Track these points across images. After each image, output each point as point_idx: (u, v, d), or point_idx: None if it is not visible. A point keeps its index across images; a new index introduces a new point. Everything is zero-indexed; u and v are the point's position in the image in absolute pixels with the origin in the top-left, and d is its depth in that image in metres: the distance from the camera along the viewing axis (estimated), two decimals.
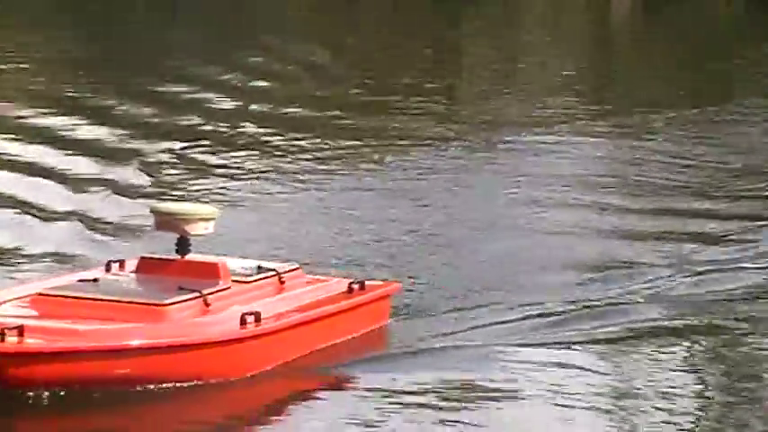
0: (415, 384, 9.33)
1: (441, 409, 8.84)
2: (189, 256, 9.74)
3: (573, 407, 8.98)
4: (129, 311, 8.89)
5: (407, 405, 8.95)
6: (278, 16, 39.26)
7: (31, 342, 8.41)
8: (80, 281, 9.47)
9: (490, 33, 39.26)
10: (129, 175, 16.06)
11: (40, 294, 9.21)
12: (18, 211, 14.10)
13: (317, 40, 33.39)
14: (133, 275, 9.74)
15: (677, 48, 37.03)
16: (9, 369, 8.25)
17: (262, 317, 9.09)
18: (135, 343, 8.59)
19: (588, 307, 11.50)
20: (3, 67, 26.09)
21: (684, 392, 9.59)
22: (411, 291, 11.56)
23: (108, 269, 9.84)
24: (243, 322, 8.96)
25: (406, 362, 9.90)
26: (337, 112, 22.91)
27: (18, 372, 8.29)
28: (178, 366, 8.77)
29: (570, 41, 37.71)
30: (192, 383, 8.78)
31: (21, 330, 8.30)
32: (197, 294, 9.12)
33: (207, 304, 9.12)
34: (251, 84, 25.69)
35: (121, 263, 9.92)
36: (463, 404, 9.06)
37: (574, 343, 10.48)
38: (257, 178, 16.83)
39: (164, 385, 8.71)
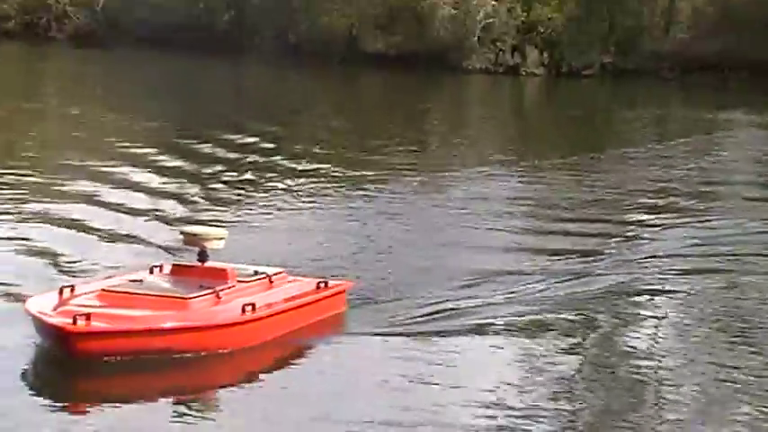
0: (365, 356, 11.04)
1: (383, 375, 10.31)
2: (207, 264, 11.27)
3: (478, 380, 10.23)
4: (165, 303, 10.46)
5: (357, 371, 10.62)
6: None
7: (96, 324, 9.86)
8: (130, 281, 11.01)
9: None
10: (169, 207, 17.47)
11: (103, 290, 10.71)
12: (91, 233, 15.39)
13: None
14: (168, 277, 11.25)
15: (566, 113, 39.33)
16: (80, 344, 9.84)
17: (256, 306, 10.64)
18: (168, 325, 10.16)
19: (490, 303, 12.70)
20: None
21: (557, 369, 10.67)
22: (364, 287, 12.77)
23: (151, 272, 11.45)
24: (243, 310, 10.51)
25: (359, 338, 11.37)
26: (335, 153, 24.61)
27: (86, 346, 9.86)
28: (198, 341, 10.34)
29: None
30: (207, 353, 10.30)
31: (88, 316, 9.79)
32: (211, 291, 10.65)
33: (218, 297, 10.63)
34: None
35: (160, 267, 11.56)
36: (401, 369, 10.41)
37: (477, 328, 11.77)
38: (261, 205, 18.24)
39: (187, 355, 10.19)
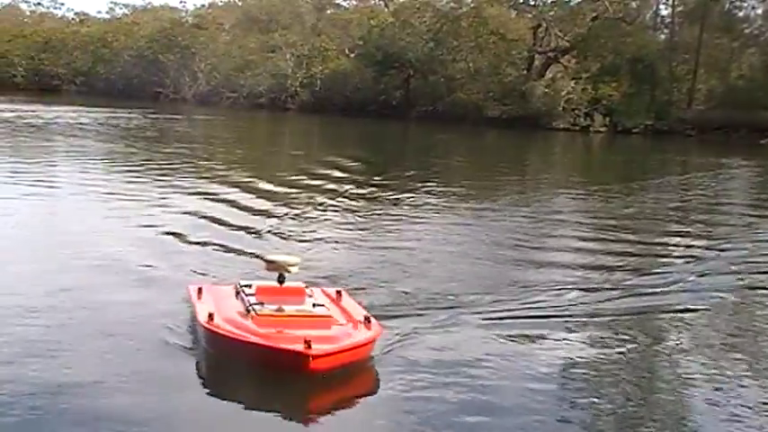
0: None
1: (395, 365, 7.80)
2: (285, 284, 8.73)
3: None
4: (323, 322, 7.99)
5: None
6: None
7: (327, 347, 7.45)
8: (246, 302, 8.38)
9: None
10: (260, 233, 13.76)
11: (258, 315, 7.99)
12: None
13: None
14: (265, 296, 8.47)
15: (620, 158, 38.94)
16: (314, 366, 7.26)
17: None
18: (364, 340, 7.81)
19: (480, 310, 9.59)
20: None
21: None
22: (375, 293, 10.05)
23: (237, 291, 8.89)
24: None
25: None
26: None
27: (319, 366, 7.31)
28: (366, 354, 7.80)
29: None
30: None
31: (308, 341, 7.33)
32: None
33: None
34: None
35: (249, 286, 8.80)
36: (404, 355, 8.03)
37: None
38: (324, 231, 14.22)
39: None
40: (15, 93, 59.12)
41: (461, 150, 37.69)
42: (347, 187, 20.21)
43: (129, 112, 44.98)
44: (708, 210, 20.28)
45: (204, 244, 12.76)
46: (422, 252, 13.14)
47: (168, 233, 13.47)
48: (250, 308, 8.25)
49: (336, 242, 13.60)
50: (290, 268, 8.84)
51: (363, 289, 10.30)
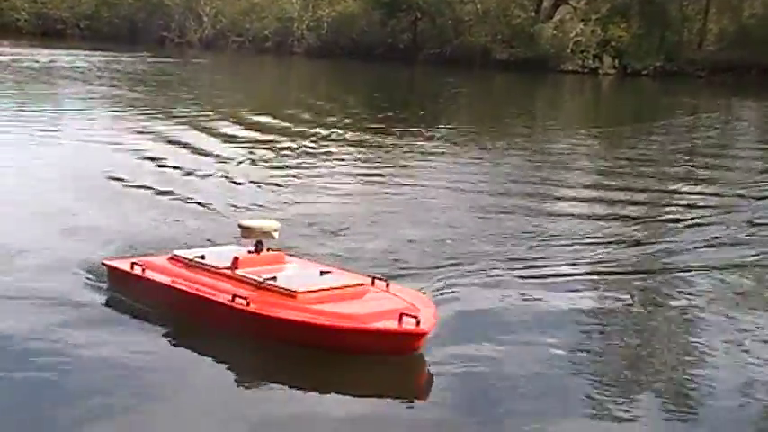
0: None
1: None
2: (263, 253, 7.68)
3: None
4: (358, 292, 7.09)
5: None
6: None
7: (426, 323, 6.53)
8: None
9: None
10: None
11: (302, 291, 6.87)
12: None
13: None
14: (259, 266, 7.46)
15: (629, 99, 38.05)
16: (418, 343, 6.53)
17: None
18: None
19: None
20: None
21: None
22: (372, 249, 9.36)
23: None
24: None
25: None
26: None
27: (420, 344, 6.54)
28: None
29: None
30: None
31: (400, 315, 6.49)
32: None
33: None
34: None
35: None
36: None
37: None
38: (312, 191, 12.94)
39: None
40: (19, 38, 58.22)
41: (468, 94, 37.19)
42: (348, 135, 19.84)
43: (132, 56, 44.45)
44: (718, 153, 19.82)
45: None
46: (425, 200, 12.81)
47: (116, 178, 13.15)
48: (271, 285, 6.94)
49: (332, 193, 13.04)
50: (274, 234, 7.70)
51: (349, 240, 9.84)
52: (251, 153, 16.22)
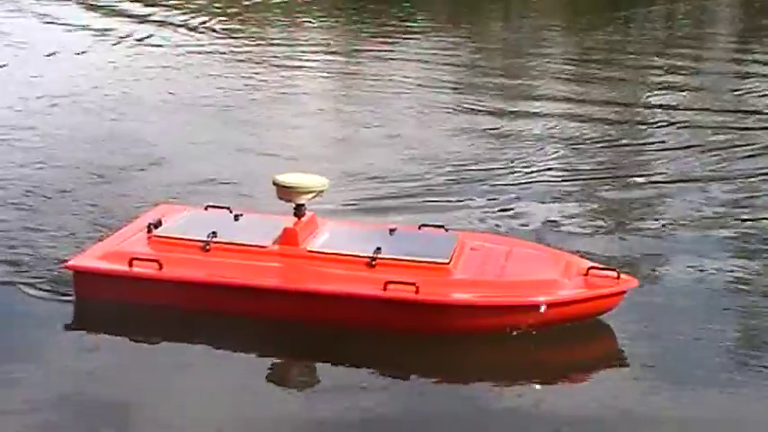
0: None
1: None
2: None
3: None
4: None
5: None
6: None
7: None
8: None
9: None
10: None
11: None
12: None
13: None
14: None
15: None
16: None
17: None
18: None
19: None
20: None
21: None
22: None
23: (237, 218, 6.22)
24: None
25: None
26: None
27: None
28: None
29: None
30: None
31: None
32: None
33: None
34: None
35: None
36: None
37: None
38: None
39: None
40: None
41: None
42: None
43: None
44: (696, 40, 19.18)
45: None
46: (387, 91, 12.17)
47: None
48: (401, 259, 5.50)
49: None
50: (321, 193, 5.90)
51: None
52: None
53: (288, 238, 5.75)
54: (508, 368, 5.33)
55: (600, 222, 7.68)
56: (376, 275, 5.45)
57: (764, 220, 7.64)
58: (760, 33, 21.03)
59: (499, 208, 7.87)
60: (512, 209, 7.85)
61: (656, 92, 12.91)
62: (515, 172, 8.87)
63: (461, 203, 7.93)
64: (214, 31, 16.85)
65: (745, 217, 7.77)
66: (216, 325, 5.46)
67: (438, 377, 5.20)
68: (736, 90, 13.12)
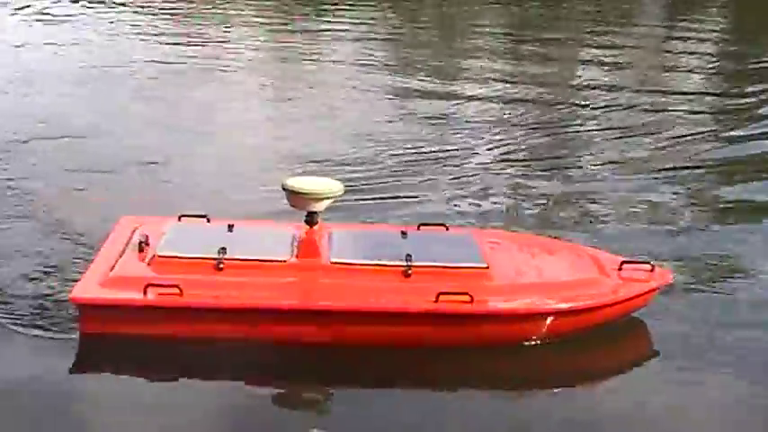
0: None
1: None
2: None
3: None
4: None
5: None
6: None
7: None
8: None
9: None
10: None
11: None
12: None
13: None
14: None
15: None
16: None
17: None
18: None
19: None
20: None
21: None
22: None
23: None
24: None
25: None
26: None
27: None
28: None
29: None
30: None
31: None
32: None
33: None
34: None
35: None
36: None
37: None
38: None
39: None
40: None
41: None
42: None
43: None
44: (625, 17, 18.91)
45: None
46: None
47: None
48: (434, 266, 5.03)
49: None
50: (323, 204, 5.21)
51: None
52: None
53: (308, 249, 5.13)
54: (532, 375, 4.95)
55: (540, 210, 7.56)
56: (416, 285, 4.94)
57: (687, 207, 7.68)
58: (692, 4, 21.00)
59: (426, 199, 7.53)
60: (449, 199, 7.59)
61: (587, 69, 13.00)
62: (453, 157, 8.65)
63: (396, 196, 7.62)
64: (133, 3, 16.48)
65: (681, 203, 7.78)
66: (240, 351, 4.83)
67: (463, 385, 4.80)
68: (663, 67, 13.30)
